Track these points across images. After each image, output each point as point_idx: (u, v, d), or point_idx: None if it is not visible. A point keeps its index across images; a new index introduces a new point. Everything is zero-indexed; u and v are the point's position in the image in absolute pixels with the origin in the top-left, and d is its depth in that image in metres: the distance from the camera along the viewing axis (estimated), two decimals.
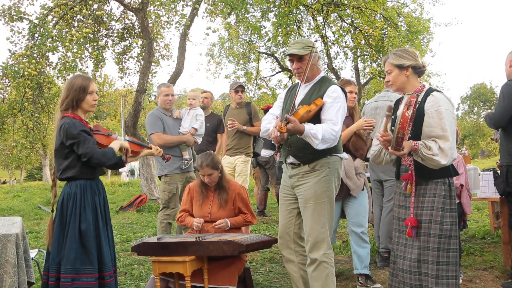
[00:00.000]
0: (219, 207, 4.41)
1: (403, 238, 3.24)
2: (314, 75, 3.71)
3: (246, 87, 19.81)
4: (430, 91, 3.19)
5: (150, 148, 3.90)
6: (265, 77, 20.42)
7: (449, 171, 3.17)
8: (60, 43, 9.90)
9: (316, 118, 3.52)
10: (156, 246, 3.98)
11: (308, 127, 3.34)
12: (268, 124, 3.78)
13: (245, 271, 4.40)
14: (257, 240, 4.04)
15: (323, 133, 3.35)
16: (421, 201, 3.16)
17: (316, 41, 3.72)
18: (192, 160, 5.88)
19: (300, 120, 3.37)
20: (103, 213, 3.51)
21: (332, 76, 19.17)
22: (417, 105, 3.09)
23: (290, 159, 3.71)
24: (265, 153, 8.35)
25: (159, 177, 5.76)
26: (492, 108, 46.08)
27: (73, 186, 3.41)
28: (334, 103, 3.51)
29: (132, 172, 26.97)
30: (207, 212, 4.42)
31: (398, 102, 3.39)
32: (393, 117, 3.22)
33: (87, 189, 3.44)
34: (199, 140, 6.01)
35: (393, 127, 3.11)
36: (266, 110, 8.89)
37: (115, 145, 3.51)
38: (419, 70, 3.28)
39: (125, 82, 13.49)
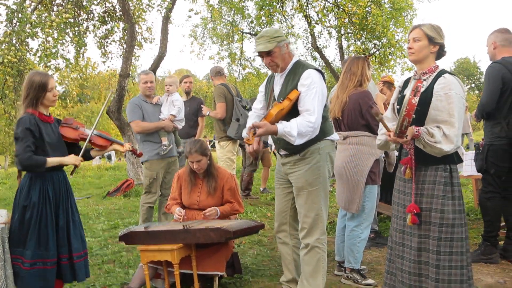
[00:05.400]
0: (207, 195, 4.41)
1: (402, 224, 3.16)
2: (287, 63, 3.63)
3: (230, 67, 19.76)
4: (442, 72, 3.06)
5: (122, 145, 4.08)
6: (249, 58, 20.30)
7: (452, 157, 3.03)
8: (40, 28, 9.73)
9: (295, 109, 3.50)
10: (143, 235, 3.99)
11: (281, 126, 3.32)
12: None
13: (233, 256, 4.44)
14: (244, 226, 4.07)
15: (298, 128, 3.33)
16: (421, 187, 3.06)
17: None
18: (175, 145, 6.02)
19: (274, 120, 3.36)
20: (53, 202, 3.64)
21: (316, 55, 19.14)
22: (423, 88, 2.97)
23: (282, 152, 3.74)
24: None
25: (142, 163, 5.84)
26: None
27: (26, 176, 3.65)
28: (309, 90, 3.45)
29: (109, 157, 27.18)
30: (196, 200, 4.43)
31: (407, 83, 3.23)
32: (398, 107, 3.16)
33: (38, 178, 3.61)
34: (180, 126, 6.08)
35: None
36: None
37: (52, 160, 3.61)
38: (441, 52, 3.14)
39: (108, 66, 13.38)
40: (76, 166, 3.77)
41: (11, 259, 3.52)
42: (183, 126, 6.93)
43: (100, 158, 27.03)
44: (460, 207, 3.02)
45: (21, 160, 3.49)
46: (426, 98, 2.98)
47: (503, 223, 4.93)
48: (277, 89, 3.68)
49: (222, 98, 6.97)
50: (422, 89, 2.98)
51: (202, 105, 7.28)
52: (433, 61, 3.13)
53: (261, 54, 3.56)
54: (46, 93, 3.62)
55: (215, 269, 4.08)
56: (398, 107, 3.16)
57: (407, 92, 2.86)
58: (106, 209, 8.70)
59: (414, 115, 2.82)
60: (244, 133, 3.57)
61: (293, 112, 3.48)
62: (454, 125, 2.90)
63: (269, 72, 3.83)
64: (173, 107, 5.92)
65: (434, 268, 2.96)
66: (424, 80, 3.07)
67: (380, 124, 3.23)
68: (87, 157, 3.98)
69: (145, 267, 3.92)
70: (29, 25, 9.43)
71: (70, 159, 3.71)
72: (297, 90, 3.50)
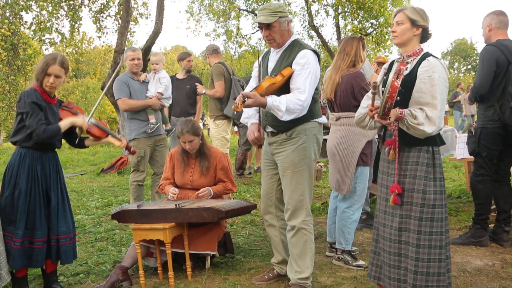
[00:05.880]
0: (200, 174, 4.41)
1: (384, 205, 3.21)
2: (285, 40, 3.62)
3: (226, 45, 19.61)
4: (426, 55, 3.09)
5: (120, 140, 4.00)
6: (246, 35, 20.18)
7: (434, 139, 3.09)
8: (34, 1, 9.60)
9: (286, 87, 3.50)
10: (136, 214, 3.99)
11: (271, 99, 3.32)
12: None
13: (226, 236, 4.46)
14: (237, 206, 4.08)
15: (287, 104, 3.33)
16: (404, 168, 3.11)
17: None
18: (163, 123, 6.01)
19: (264, 93, 3.35)
20: (43, 183, 3.63)
21: (313, 33, 19.01)
22: (407, 71, 3.01)
23: (269, 129, 3.73)
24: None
25: (129, 141, 5.83)
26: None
27: (15, 154, 3.63)
28: (303, 70, 3.46)
29: None
30: (189, 180, 4.43)
31: (392, 65, 3.28)
32: (382, 89, 3.16)
33: (26, 157, 3.60)
34: (167, 104, 6.07)
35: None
36: None
37: (64, 123, 3.63)
38: (425, 35, 3.17)
39: (103, 42, 13.26)
40: (82, 131, 3.78)
41: (3, 236, 3.53)
42: (184, 104, 6.93)
43: None
44: (441, 188, 3.08)
45: (38, 134, 3.47)
46: (410, 80, 3.02)
47: (494, 207, 4.97)
48: (271, 64, 3.67)
49: (221, 77, 6.96)
50: (406, 72, 3.03)
51: (196, 84, 7.23)
52: (417, 44, 3.17)
53: (261, 26, 3.55)
54: (44, 76, 3.58)
55: (207, 248, 4.11)
56: (383, 89, 3.18)
57: (390, 74, 2.87)
58: (100, 186, 8.73)
59: (398, 98, 2.86)
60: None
61: (284, 89, 3.48)
62: (436, 107, 2.94)
63: (265, 50, 3.81)
64: (159, 85, 5.89)
65: (415, 247, 3.02)
66: (408, 63, 3.11)
67: (363, 100, 3.30)
68: (81, 145, 3.97)
69: (138, 246, 3.93)
70: None
71: (80, 119, 3.74)
72: (291, 68, 3.50)
